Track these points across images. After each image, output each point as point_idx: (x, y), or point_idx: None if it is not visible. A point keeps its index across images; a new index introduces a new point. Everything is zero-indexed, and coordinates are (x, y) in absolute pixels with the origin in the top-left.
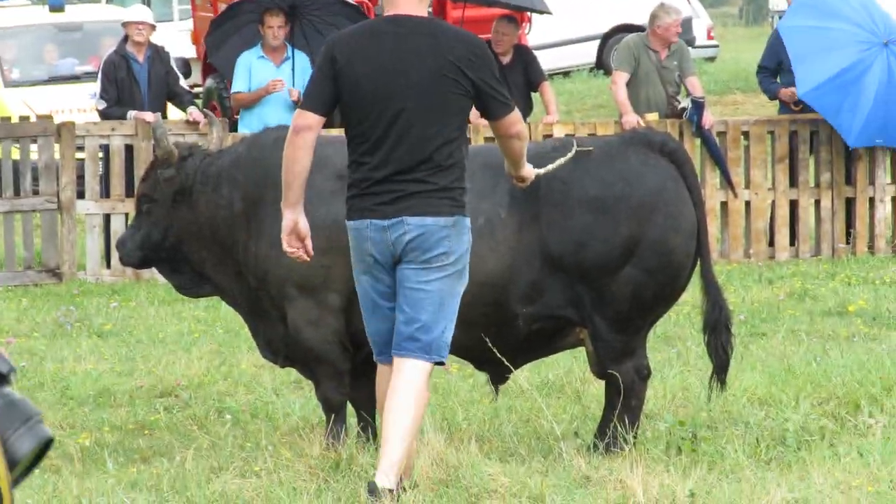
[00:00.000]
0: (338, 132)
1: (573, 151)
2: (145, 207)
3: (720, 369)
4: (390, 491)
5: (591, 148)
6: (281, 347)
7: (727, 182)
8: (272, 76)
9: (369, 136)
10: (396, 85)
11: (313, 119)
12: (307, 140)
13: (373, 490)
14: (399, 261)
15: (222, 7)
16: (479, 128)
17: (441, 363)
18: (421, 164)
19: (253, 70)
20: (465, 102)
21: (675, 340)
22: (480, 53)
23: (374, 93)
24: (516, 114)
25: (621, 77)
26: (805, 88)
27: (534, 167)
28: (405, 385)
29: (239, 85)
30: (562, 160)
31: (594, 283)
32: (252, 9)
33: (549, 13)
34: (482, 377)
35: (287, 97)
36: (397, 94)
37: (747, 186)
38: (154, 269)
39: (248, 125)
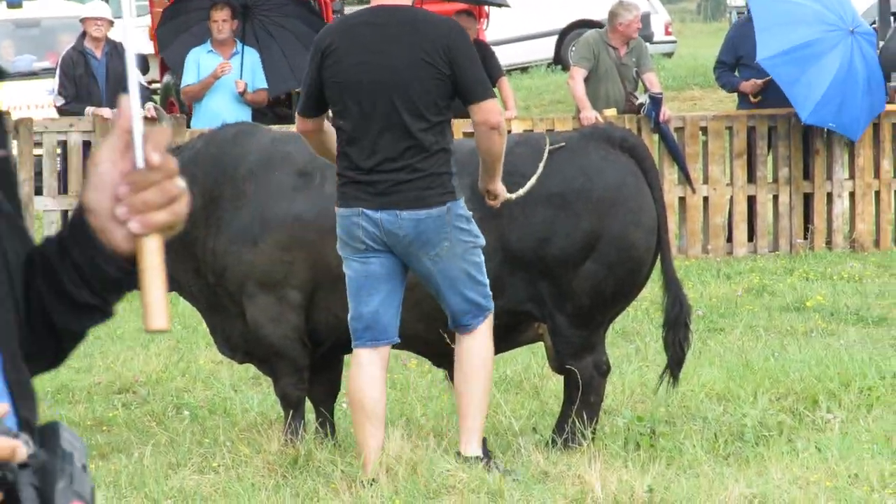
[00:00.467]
0: (281, 128)
1: (545, 155)
2: None
3: (675, 364)
4: (478, 458)
5: (562, 143)
6: (239, 343)
7: (685, 177)
8: (212, 67)
9: (356, 126)
10: (379, 74)
11: (311, 123)
12: (316, 139)
13: (466, 459)
14: (404, 253)
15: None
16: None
17: (491, 310)
18: (407, 150)
19: (202, 64)
20: (445, 87)
21: (633, 336)
22: (458, 37)
23: (357, 83)
24: (496, 104)
25: (579, 73)
26: (765, 54)
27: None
28: (466, 355)
29: (188, 79)
30: (536, 174)
31: (555, 278)
32: (201, 5)
33: (507, 6)
34: (440, 373)
35: (234, 89)
36: (380, 83)
37: (705, 182)
38: None
39: (200, 119)
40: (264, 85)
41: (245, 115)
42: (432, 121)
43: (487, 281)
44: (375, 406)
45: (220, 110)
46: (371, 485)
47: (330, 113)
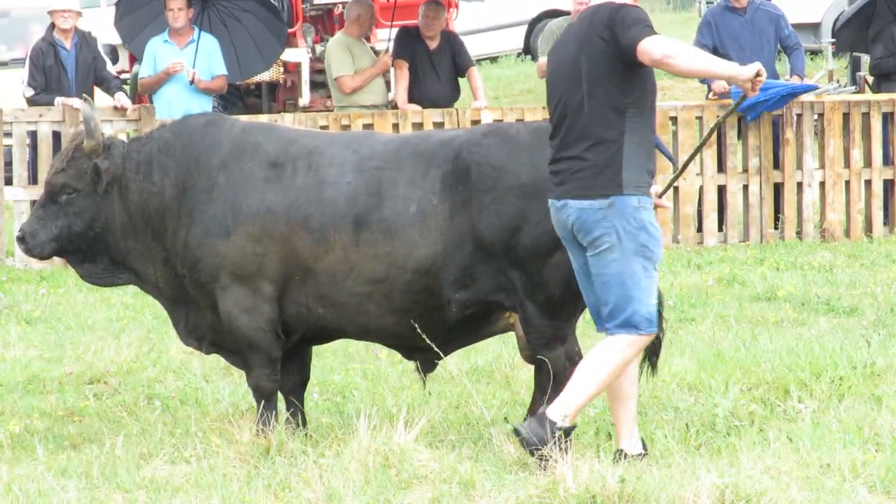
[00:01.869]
0: (267, 119)
1: (714, 125)
2: (65, 198)
3: (650, 354)
4: (552, 422)
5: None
6: (206, 334)
7: (666, 157)
8: (174, 58)
9: (551, 121)
10: (559, 70)
11: None
12: None
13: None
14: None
15: None
16: (406, 114)
17: (652, 333)
18: (579, 140)
19: (157, 55)
20: (613, 72)
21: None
22: (617, 12)
23: (550, 79)
24: (647, 45)
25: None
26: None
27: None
28: (597, 351)
29: (145, 70)
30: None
31: (526, 268)
32: None
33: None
34: (411, 364)
35: (185, 78)
36: (559, 77)
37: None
38: None
39: (160, 109)
40: (223, 71)
41: (205, 103)
42: (604, 112)
43: (647, 301)
44: (622, 384)
45: (177, 99)
46: (344, 473)
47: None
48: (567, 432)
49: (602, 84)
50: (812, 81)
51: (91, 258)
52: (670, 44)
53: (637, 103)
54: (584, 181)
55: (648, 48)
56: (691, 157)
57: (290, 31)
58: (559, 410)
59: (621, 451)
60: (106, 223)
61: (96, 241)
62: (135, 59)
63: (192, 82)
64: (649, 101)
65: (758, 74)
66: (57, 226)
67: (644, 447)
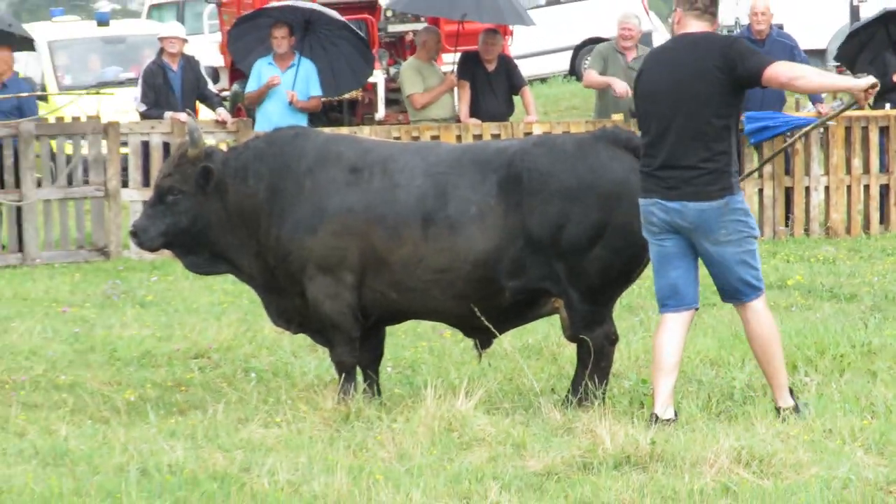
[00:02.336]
0: (347, 131)
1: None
2: (171, 199)
3: None
4: (793, 408)
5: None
6: (294, 317)
7: None
8: (270, 76)
9: (646, 135)
10: (662, 92)
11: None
12: None
13: (784, 413)
14: (690, 237)
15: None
16: (468, 126)
17: (762, 291)
18: (692, 150)
19: (262, 74)
20: (723, 94)
21: (638, 310)
22: (730, 46)
23: (649, 99)
24: (775, 71)
25: (590, 72)
26: None
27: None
28: (759, 326)
29: (251, 87)
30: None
31: (568, 260)
32: (268, 22)
33: (532, 24)
34: (471, 342)
35: (285, 99)
36: (664, 98)
37: None
38: None
39: (260, 123)
40: (318, 93)
41: (300, 120)
42: (717, 125)
43: (760, 266)
44: (668, 359)
45: (276, 115)
46: (413, 436)
47: None
48: (797, 408)
49: (717, 106)
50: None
51: (194, 251)
52: (794, 67)
53: (735, 118)
54: (702, 186)
55: (776, 73)
56: (760, 167)
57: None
58: (782, 393)
59: (655, 415)
60: (207, 221)
61: (198, 236)
62: (234, 78)
63: (290, 102)
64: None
65: (873, 86)
66: (164, 223)
67: (675, 414)
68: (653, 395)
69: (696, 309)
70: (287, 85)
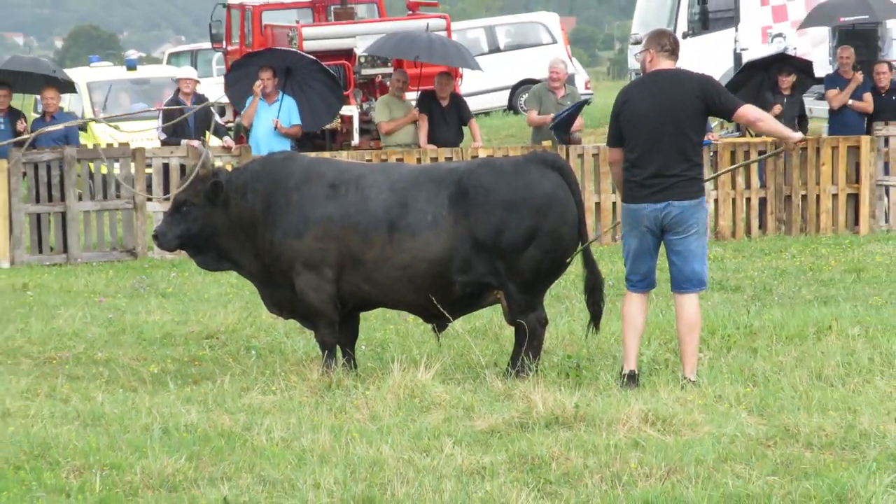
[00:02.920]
0: (328, 155)
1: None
2: (185, 210)
3: (595, 319)
4: (692, 381)
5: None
6: (286, 305)
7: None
8: (265, 112)
9: (635, 150)
10: (648, 117)
11: (614, 151)
12: (614, 167)
13: (683, 381)
14: (666, 231)
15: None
16: (426, 151)
17: (705, 288)
18: (677, 162)
19: (259, 104)
20: (700, 119)
21: (564, 299)
22: (707, 84)
23: (635, 122)
24: (744, 112)
25: (531, 111)
26: None
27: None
28: (691, 312)
29: (245, 114)
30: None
31: (507, 259)
32: (260, 63)
33: (479, 69)
34: (429, 326)
35: (271, 126)
36: (649, 122)
37: (614, 192)
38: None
39: (254, 147)
40: (298, 122)
41: (284, 143)
42: (694, 143)
43: (705, 265)
44: (637, 324)
45: (264, 140)
46: (383, 401)
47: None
48: (696, 383)
49: (696, 128)
50: (714, 134)
51: (203, 251)
52: (757, 111)
53: (703, 138)
54: (684, 188)
55: (745, 113)
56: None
57: (345, 93)
58: (692, 368)
59: (633, 371)
60: (214, 227)
61: (207, 240)
62: (237, 113)
63: (275, 129)
64: None
65: (801, 140)
66: (179, 229)
67: (637, 369)
68: (625, 355)
69: (653, 289)
70: (272, 115)
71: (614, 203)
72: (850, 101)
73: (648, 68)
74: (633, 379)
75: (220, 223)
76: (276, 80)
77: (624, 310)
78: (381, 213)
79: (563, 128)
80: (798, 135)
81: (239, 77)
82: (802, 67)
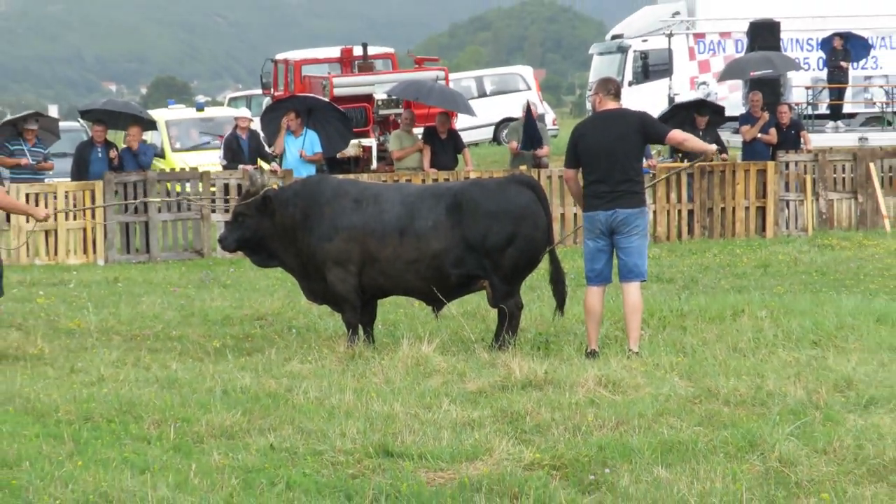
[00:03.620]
0: (353, 177)
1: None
2: (240, 219)
3: (559, 305)
4: (635, 353)
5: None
6: (319, 294)
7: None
8: (293, 144)
9: (593, 170)
10: (602, 145)
11: (571, 171)
12: (571, 184)
13: (628, 353)
14: (616, 233)
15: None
16: (429, 174)
17: (645, 278)
18: (625, 180)
19: (286, 137)
20: (640, 147)
21: (536, 289)
22: (644, 119)
23: (593, 149)
24: (672, 135)
25: (511, 143)
26: None
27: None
28: (634, 298)
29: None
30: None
31: (492, 257)
32: (288, 107)
33: (471, 113)
34: (430, 308)
35: (297, 156)
36: (605, 148)
37: (574, 205)
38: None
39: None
40: (320, 150)
41: (311, 169)
42: (636, 164)
43: (646, 262)
44: (596, 312)
45: (294, 165)
46: (394, 370)
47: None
48: (638, 354)
49: (637, 154)
50: (653, 160)
51: (256, 252)
52: (683, 133)
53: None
54: (631, 199)
55: (674, 136)
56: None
57: (366, 128)
58: (635, 342)
59: (594, 350)
60: (264, 233)
61: (258, 243)
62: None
63: (301, 156)
64: None
65: (717, 150)
66: (238, 234)
67: (598, 348)
68: (588, 336)
69: (609, 283)
70: (298, 146)
71: (574, 214)
72: (759, 135)
73: (598, 108)
74: (593, 355)
75: (268, 230)
76: (300, 119)
77: (585, 301)
78: (393, 221)
79: (533, 142)
80: (714, 147)
81: (272, 118)
82: (716, 109)
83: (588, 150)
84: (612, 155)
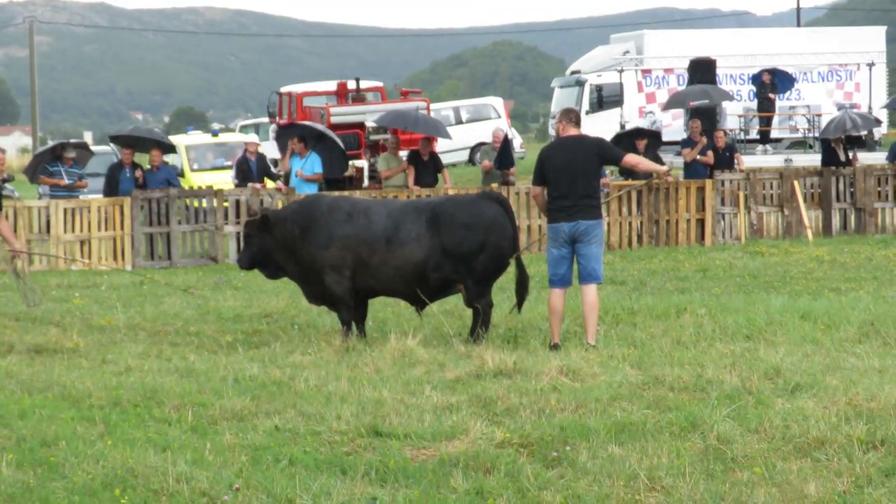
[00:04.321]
0: (347, 193)
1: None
2: (249, 239)
3: (518, 304)
4: (592, 346)
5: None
6: (318, 296)
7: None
8: (296, 165)
9: (557, 187)
10: (565, 165)
11: (537, 189)
12: (538, 199)
13: (586, 346)
14: (577, 241)
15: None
16: (413, 191)
17: (601, 281)
18: (585, 196)
19: (292, 162)
20: (598, 169)
21: (506, 290)
22: (601, 144)
23: (558, 168)
24: (627, 159)
25: (484, 163)
26: None
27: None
28: (592, 298)
29: (282, 164)
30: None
31: (466, 262)
32: (295, 133)
33: (449, 138)
34: (413, 307)
35: (299, 176)
36: (567, 168)
37: (539, 217)
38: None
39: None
40: (320, 171)
41: (313, 187)
42: (595, 182)
43: (602, 267)
44: (558, 311)
45: (298, 184)
46: (379, 361)
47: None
48: (595, 347)
49: (594, 174)
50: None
51: (266, 266)
52: (636, 157)
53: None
54: (590, 212)
55: (628, 161)
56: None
57: (358, 151)
58: (592, 336)
59: (557, 343)
60: (269, 248)
61: (266, 257)
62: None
63: (297, 175)
64: None
65: (667, 172)
66: (249, 253)
67: (560, 342)
68: (551, 332)
69: (570, 286)
70: (303, 168)
71: (539, 226)
72: (698, 157)
73: (561, 134)
74: (556, 347)
75: (272, 244)
76: (302, 143)
77: (549, 301)
78: (381, 231)
79: (505, 163)
80: (665, 167)
81: (282, 135)
82: (652, 134)
83: (553, 170)
84: (574, 174)
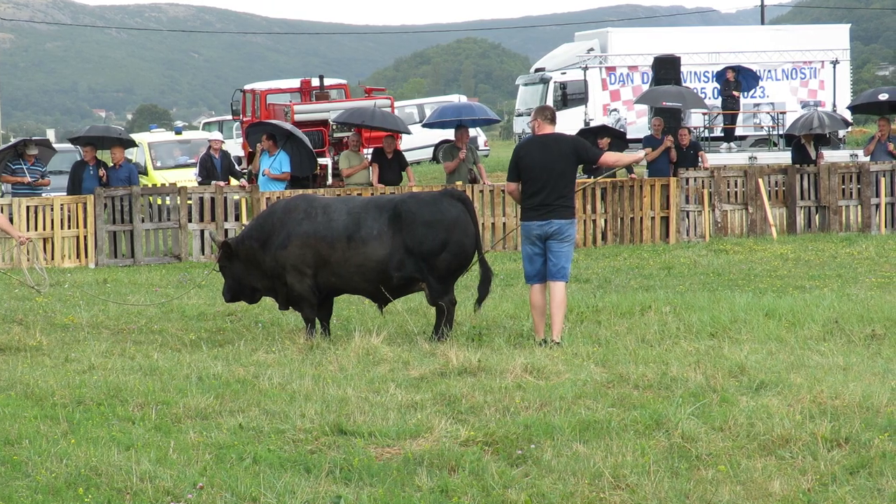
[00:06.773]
0: (311, 191)
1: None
2: (223, 272)
3: (479, 300)
4: (557, 343)
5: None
6: (284, 300)
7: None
8: (265, 163)
9: (534, 186)
10: (541, 164)
11: (513, 185)
12: (515, 194)
13: (552, 344)
14: (549, 240)
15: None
16: (377, 189)
17: (567, 279)
18: (560, 197)
19: (261, 159)
20: (574, 167)
21: (469, 287)
22: (578, 143)
23: (533, 168)
24: (605, 158)
25: (446, 164)
26: None
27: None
28: (560, 295)
29: (253, 164)
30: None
31: (428, 261)
32: (265, 131)
33: (409, 133)
34: (377, 305)
35: (266, 175)
36: (544, 167)
37: (504, 215)
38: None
39: (260, 185)
40: (288, 170)
41: (280, 185)
42: (570, 183)
43: (570, 266)
44: (539, 306)
45: (265, 182)
46: (345, 360)
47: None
48: (560, 344)
49: (570, 173)
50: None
51: (246, 293)
52: (615, 155)
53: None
54: (563, 212)
55: (605, 159)
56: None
57: (322, 149)
58: (558, 334)
59: (543, 339)
60: (240, 273)
61: (240, 283)
62: (249, 163)
63: (265, 174)
64: None
65: (644, 157)
66: (227, 286)
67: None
68: (535, 328)
69: (545, 282)
70: (270, 167)
71: (504, 223)
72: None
73: (537, 131)
74: (543, 343)
75: (241, 270)
76: (271, 141)
77: (530, 297)
78: (341, 229)
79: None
80: (641, 154)
81: (253, 132)
82: (616, 134)
83: (528, 168)
84: (549, 173)
